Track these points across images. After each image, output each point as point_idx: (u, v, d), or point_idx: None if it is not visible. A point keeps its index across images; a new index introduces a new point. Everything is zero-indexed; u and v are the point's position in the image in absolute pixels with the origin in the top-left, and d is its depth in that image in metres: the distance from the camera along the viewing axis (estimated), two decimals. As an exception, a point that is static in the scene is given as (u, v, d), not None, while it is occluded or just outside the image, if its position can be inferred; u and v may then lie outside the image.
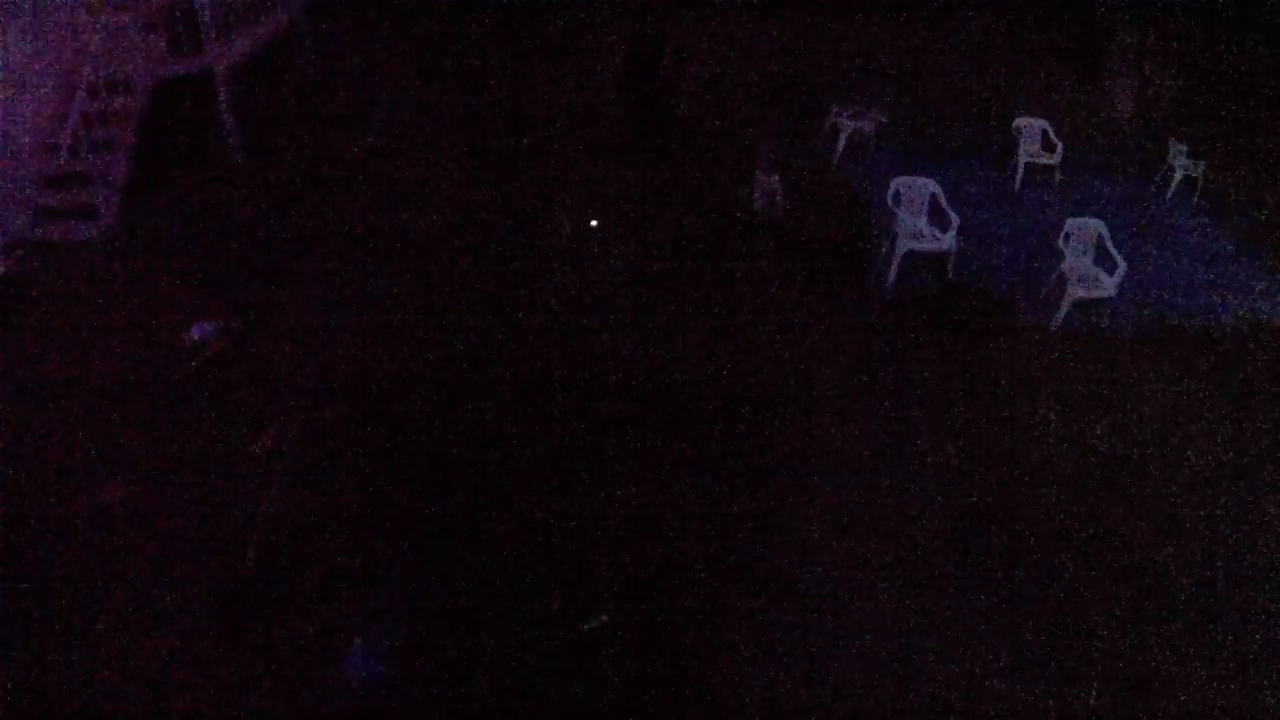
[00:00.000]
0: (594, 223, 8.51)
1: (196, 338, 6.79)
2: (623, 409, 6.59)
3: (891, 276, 8.05)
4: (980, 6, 16.11)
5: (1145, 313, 8.35)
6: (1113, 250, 8.05)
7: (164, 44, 9.34)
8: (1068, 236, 8.15)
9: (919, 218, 8.28)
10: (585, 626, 5.04)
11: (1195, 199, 11.27)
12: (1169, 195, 11.33)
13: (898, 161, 10.82)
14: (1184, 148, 11.70)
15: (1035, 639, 5.10)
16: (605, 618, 5.04)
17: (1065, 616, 5.25)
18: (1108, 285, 7.91)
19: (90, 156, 8.65)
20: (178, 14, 9.22)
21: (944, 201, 8.23)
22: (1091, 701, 4.81)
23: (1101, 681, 4.91)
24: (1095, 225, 8.21)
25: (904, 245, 7.92)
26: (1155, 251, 9.66)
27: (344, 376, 6.76)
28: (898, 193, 8.30)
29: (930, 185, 8.33)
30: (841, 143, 10.77)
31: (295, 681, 4.66)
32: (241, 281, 7.85)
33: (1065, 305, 7.87)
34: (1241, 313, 8.56)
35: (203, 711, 4.51)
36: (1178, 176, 11.45)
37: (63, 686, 4.59)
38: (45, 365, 6.82)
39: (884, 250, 8.26)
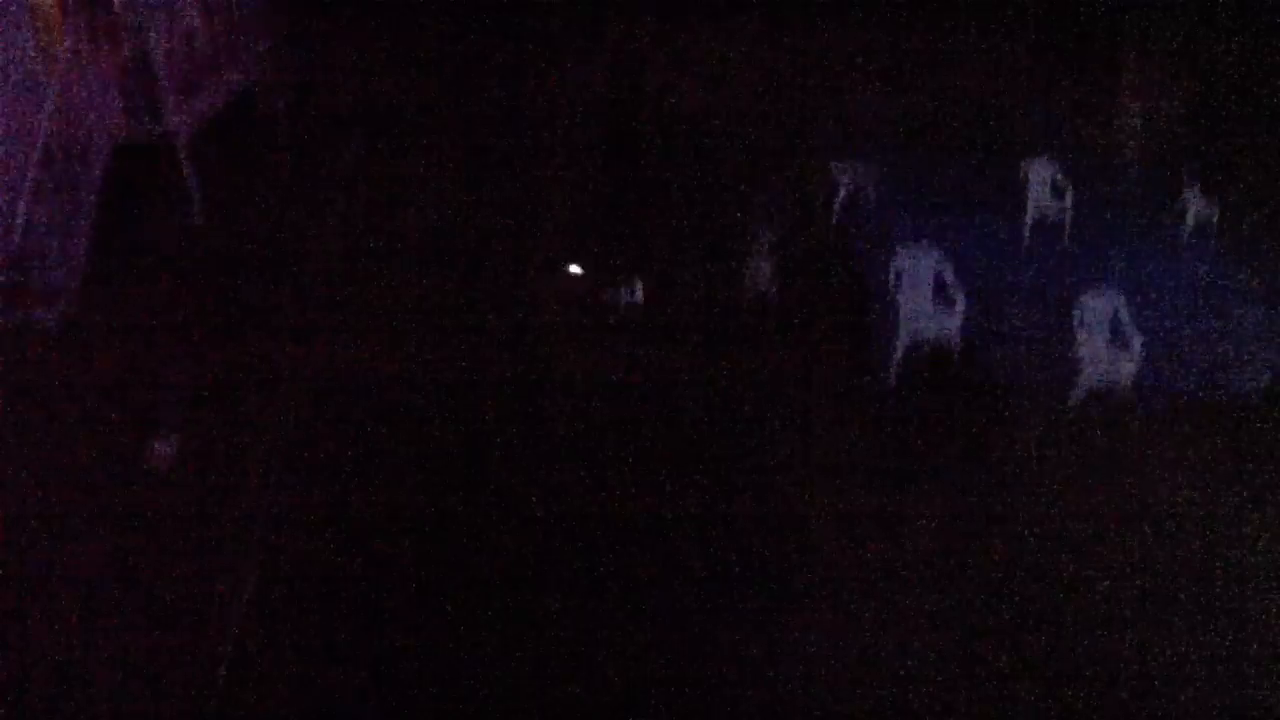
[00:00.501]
0: (576, 270, 8.02)
1: (157, 452, 6.37)
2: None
3: (893, 368, 7.55)
4: (983, 38, 15.38)
5: (1162, 386, 7.84)
6: (1132, 328, 7.54)
7: (121, 108, 8.82)
8: (1082, 316, 7.65)
9: (922, 297, 7.73)
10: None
11: (1212, 241, 10.77)
12: (1183, 236, 10.84)
13: (899, 217, 10.32)
14: (1196, 185, 11.16)
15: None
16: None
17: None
18: (1125, 371, 7.41)
19: (46, 233, 8.16)
20: (134, 76, 8.69)
21: (950, 277, 7.70)
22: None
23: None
24: (1111, 300, 7.71)
25: (906, 334, 7.42)
26: (1171, 310, 9.15)
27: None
28: (899, 271, 7.75)
29: (934, 259, 7.79)
30: (840, 197, 10.17)
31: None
32: (202, 374, 7.40)
33: (1079, 391, 7.40)
34: (1265, 377, 8.08)
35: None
36: (1192, 216, 10.92)
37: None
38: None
39: (884, 336, 7.76)
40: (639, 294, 7.98)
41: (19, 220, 7.98)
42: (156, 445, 6.49)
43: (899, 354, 7.53)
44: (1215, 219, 10.93)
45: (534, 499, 6.14)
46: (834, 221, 10.16)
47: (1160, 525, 6.26)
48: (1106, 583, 5.83)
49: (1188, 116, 13.76)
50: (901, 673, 5.08)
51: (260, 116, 11.12)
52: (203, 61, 9.47)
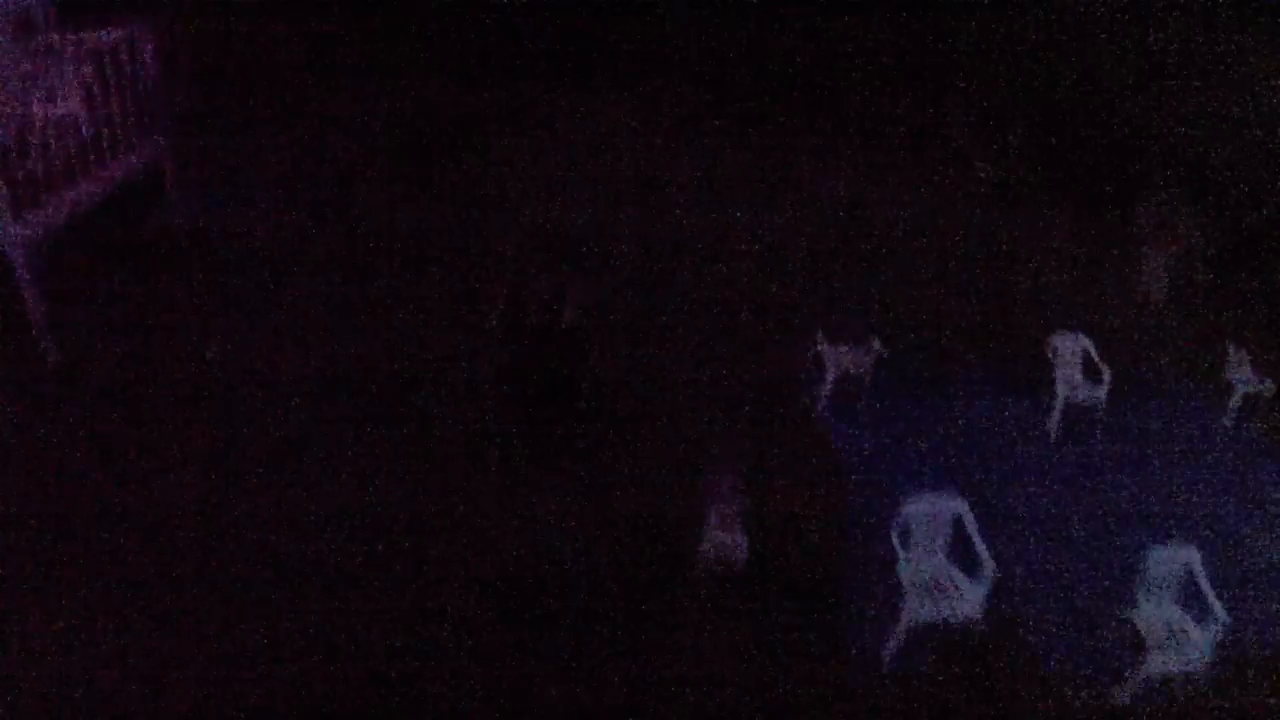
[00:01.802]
0: None
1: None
2: None
3: (890, 654, 5.63)
4: (996, 194, 13.45)
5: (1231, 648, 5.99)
6: (1209, 592, 5.74)
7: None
8: (1146, 581, 5.84)
9: (936, 563, 5.86)
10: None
11: (1265, 427, 9.17)
12: (1228, 419, 9.23)
13: (899, 412, 8.42)
14: (1245, 355, 9.70)
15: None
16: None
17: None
18: (1200, 650, 5.61)
19: None
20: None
21: (974, 533, 5.82)
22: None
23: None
24: (1184, 555, 5.89)
25: (914, 613, 5.49)
26: (1227, 528, 7.43)
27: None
28: (906, 526, 5.86)
29: (954, 508, 5.91)
30: (828, 383, 8.17)
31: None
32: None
33: (1137, 681, 5.57)
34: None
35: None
36: (1239, 395, 9.39)
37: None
38: None
39: (882, 615, 5.85)
40: None
41: None
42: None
43: (900, 640, 5.58)
44: (1269, 394, 9.42)
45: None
46: (824, 404, 8.26)
47: None
48: None
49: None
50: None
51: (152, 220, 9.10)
52: (57, 161, 7.62)
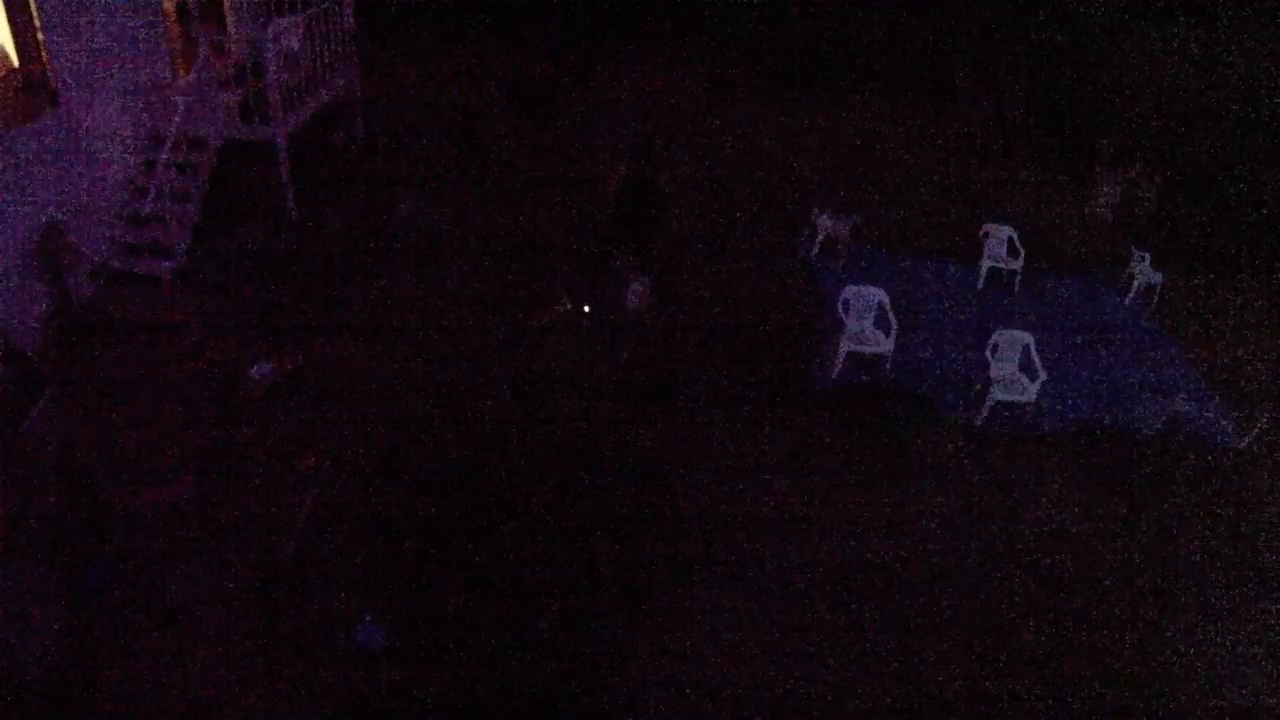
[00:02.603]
0: (586, 309, 9.89)
1: (256, 376, 8.21)
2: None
3: (834, 373, 9.31)
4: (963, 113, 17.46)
5: (1069, 413, 9.48)
6: (1037, 360, 9.23)
7: (235, 108, 10.86)
8: (995, 346, 9.35)
9: (865, 323, 9.53)
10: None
11: (1150, 307, 12.32)
12: (1126, 301, 12.41)
13: (868, 260, 12.20)
14: (1146, 255, 12.67)
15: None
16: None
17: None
18: (1029, 392, 9.09)
19: (169, 202, 10.14)
20: (249, 82, 10.72)
21: (889, 310, 9.48)
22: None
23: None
24: (1023, 337, 9.41)
25: (846, 346, 9.20)
26: (1096, 353, 10.80)
27: (385, 412, 8.22)
28: (847, 300, 9.55)
29: (878, 295, 9.59)
30: (818, 240, 12.00)
31: (319, 657, 5.70)
32: (290, 324, 9.30)
33: (986, 406, 9.07)
34: (1161, 419, 9.65)
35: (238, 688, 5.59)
36: (1137, 283, 12.43)
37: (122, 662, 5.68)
38: (121, 377, 8.27)
39: (830, 345, 9.54)
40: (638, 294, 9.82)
41: (151, 193, 9.95)
42: (253, 371, 8.34)
43: (838, 364, 9.38)
44: (1159, 286, 12.54)
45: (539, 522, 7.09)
46: (814, 253, 12.14)
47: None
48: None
49: (1151, 202, 15.43)
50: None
51: (341, 131, 13.35)
52: (299, 80, 11.49)
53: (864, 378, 9.43)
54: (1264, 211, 14.60)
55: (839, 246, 11.93)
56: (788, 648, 6.34)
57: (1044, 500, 8.22)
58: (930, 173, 15.61)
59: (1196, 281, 13.50)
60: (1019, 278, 12.03)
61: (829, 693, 6.03)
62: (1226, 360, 11.31)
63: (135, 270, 9.92)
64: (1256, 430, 9.55)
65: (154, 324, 9.16)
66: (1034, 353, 9.30)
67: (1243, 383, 10.75)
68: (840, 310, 9.54)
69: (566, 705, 5.57)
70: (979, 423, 9.11)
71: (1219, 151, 15.42)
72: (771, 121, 16.86)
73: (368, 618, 6.07)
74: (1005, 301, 11.77)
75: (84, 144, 9.45)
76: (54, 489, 6.82)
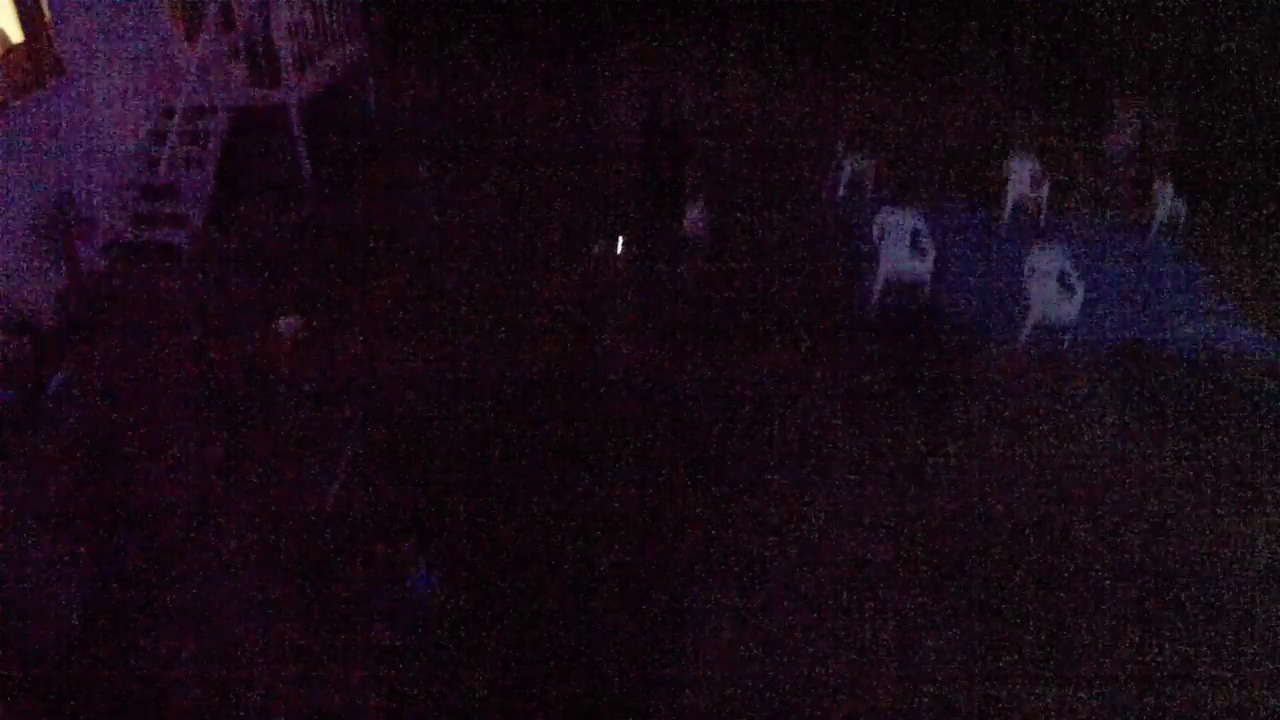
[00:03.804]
0: (619, 248, 9.74)
1: (282, 329, 8.04)
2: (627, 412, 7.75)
3: (874, 298, 9.13)
4: (981, 53, 17.28)
5: (1106, 337, 9.31)
6: (1074, 279, 9.05)
7: (245, 74, 10.69)
8: (1033, 266, 9.18)
9: (901, 248, 9.35)
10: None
11: (1177, 236, 12.17)
12: (1151, 233, 12.25)
13: (894, 199, 11.90)
14: (1170, 187, 12.57)
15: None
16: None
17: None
18: (1068, 311, 8.91)
19: (182, 171, 9.97)
20: (259, 48, 10.56)
21: (924, 233, 9.31)
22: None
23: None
24: (1059, 255, 9.23)
25: (885, 270, 9.02)
26: (1126, 281, 10.62)
27: (422, 360, 8.07)
28: (883, 225, 9.38)
29: (912, 218, 9.42)
30: (844, 181, 11.85)
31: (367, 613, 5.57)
32: (312, 287, 9.12)
33: (1028, 327, 8.89)
34: (1199, 340, 9.48)
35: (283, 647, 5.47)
36: (1161, 214, 12.28)
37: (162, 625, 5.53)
38: (143, 346, 8.10)
39: (869, 274, 9.36)
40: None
41: (163, 162, 9.79)
42: (280, 324, 8.17)
43: (878, 289, 9.19)
44: (1183, 216, 12.39)
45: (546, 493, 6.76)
46: (839, 194, 12.00)
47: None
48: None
49: (1169, 131, 15.28)
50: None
51: (351, 98, 13.15)
52: (309, 47, 11.32)
53: (905, 304, 9.24)
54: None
55: (865, 186, 11.76)
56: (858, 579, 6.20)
57: (1093, 423, 8.04)
58: (945, 121, 15.43)
59: (1221, 211, 13.30)
60: (1044, 209, 11.85)
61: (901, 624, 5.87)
62: (1256, 285, 11.14)
63: (150, 241, 9.76)
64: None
65: (170, 294, 8.99)
66: (1071, 271, 9.12)
67: (1275, 306, 10.58)
68: (875, 235, 9.38)
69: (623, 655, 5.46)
70: (1020, 346, 8.94)
71: (1239, 82, 15.28)
72: (783, 89, 16.69)
73: (422, 562, 5.82)
74: (1031, 234, 11.56)
75: (93, 115, 9.31)
76: (76, 463, 6.69)
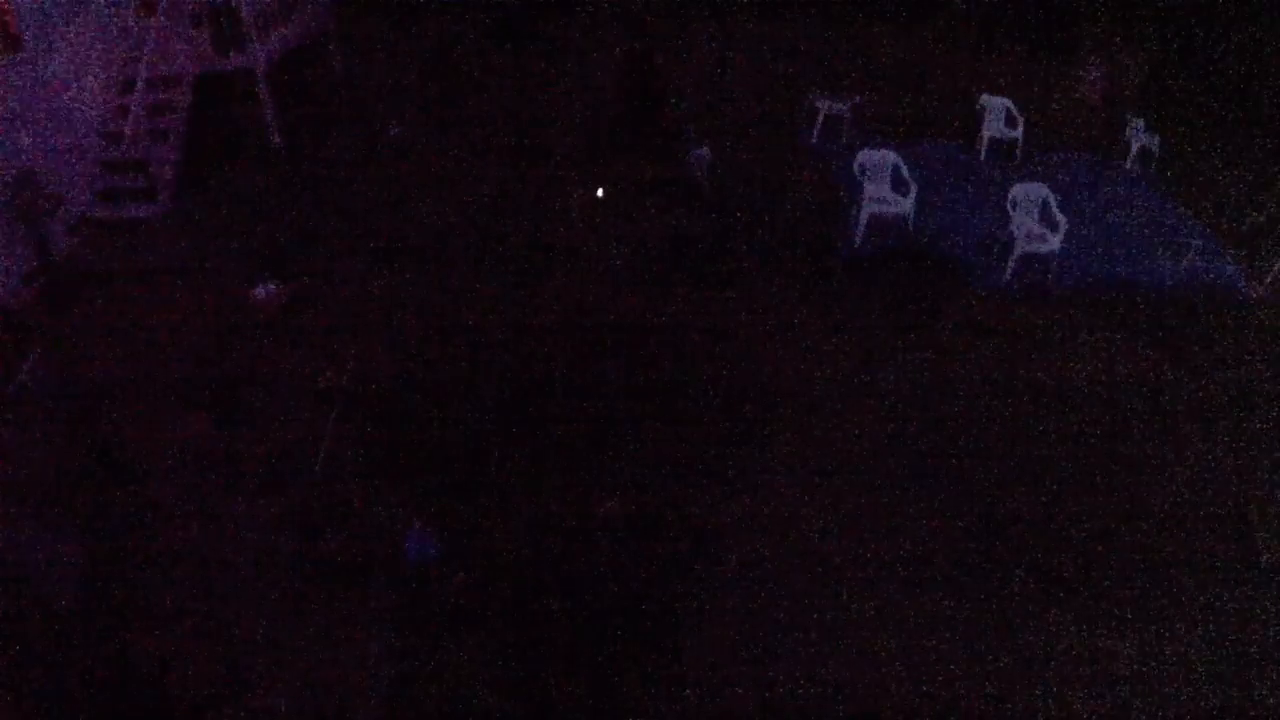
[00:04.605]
0: (600, 192, 9.62)
1: (260, 295, 7.88)
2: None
3: (858, 238, 9.10)
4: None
5: (1089, 272, 9.35)
6: (1055, 212, 9.07)
7: (208, 41, 10.42)
8: (1014, 201, 9.18)
9: (883, 186, 9.33)
10: (602, 509, 5.96)
11: (1150, 169, 12.22)
12: (1126, 167, 12.29)
13: (870, 140, 11.85)
14: (1141, 122, 12.61)
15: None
16: (614, 504, 6.02)
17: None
18: (1051, 243, 8.94)
19: (147, 144, 9.73)
20: (220, 14, 10.28)
21: (904, 170, 9.29)
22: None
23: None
24: (1040, 190, 9.24)
25: (868, 209, 8.99)
26: (1106, 217, 10.65)
27: (387, 333, 7.87)
28: (863, 164, 9.35)
29: (892, 156, 9.39)
30: (818, 123, 11.78)
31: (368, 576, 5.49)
32: (288, 252, 8.94)
33: (1012, 261, 8.91)
34: (1180, 273, 9.53)
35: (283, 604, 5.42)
36: (1134, 150, 12.31)
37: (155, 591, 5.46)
38: (116, 324, 7.92)
39: (852, 215, 9.33)
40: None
41: (126, 135, 9.54)
42: (257, 291, 8.01)
43: (861, 227, 9.15)
44: (1156, 150, 12.44)
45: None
46: (815, 137, 11.93)
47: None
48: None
49: (1139, 67, 15.31)
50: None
51: (318, 61, 12.86)
52: (271, 8, 11.05)
53: (889, 243, 9.22)
54: (1255, 66, 14.49)
55: (841, 129, 11.69)
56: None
57: (1077, 355, 8.09)
58: (916, 64, 15.36)
59: (1192, 144, 13.36)
60: (1020, 147, 11.85)
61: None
62: (1230, 215, 11.22)
63: (120, 216, 9.54)
64: (1270, 279, 9.45)
65: (143, 269, 8.79)
66: (1053, 204, 9.14)
67: (1249, 235, 10.66)
68: (857, 173, 9.33)
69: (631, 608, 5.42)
70: (1004, 281, 8.95)
71: (1207, 16, 15.28)
72: (752, 32, 16.49)
73: (416, 524, 5.73)
74: (1007, 171, 11.58)
75: (52, 90, 9.05)
76: (58, 444, 6.54)
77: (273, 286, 7.97)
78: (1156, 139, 12.40)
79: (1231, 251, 10.08)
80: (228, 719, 4.86)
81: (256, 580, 5.63)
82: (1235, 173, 12.62)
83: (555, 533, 5.95)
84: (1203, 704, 5.06)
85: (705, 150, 10.19)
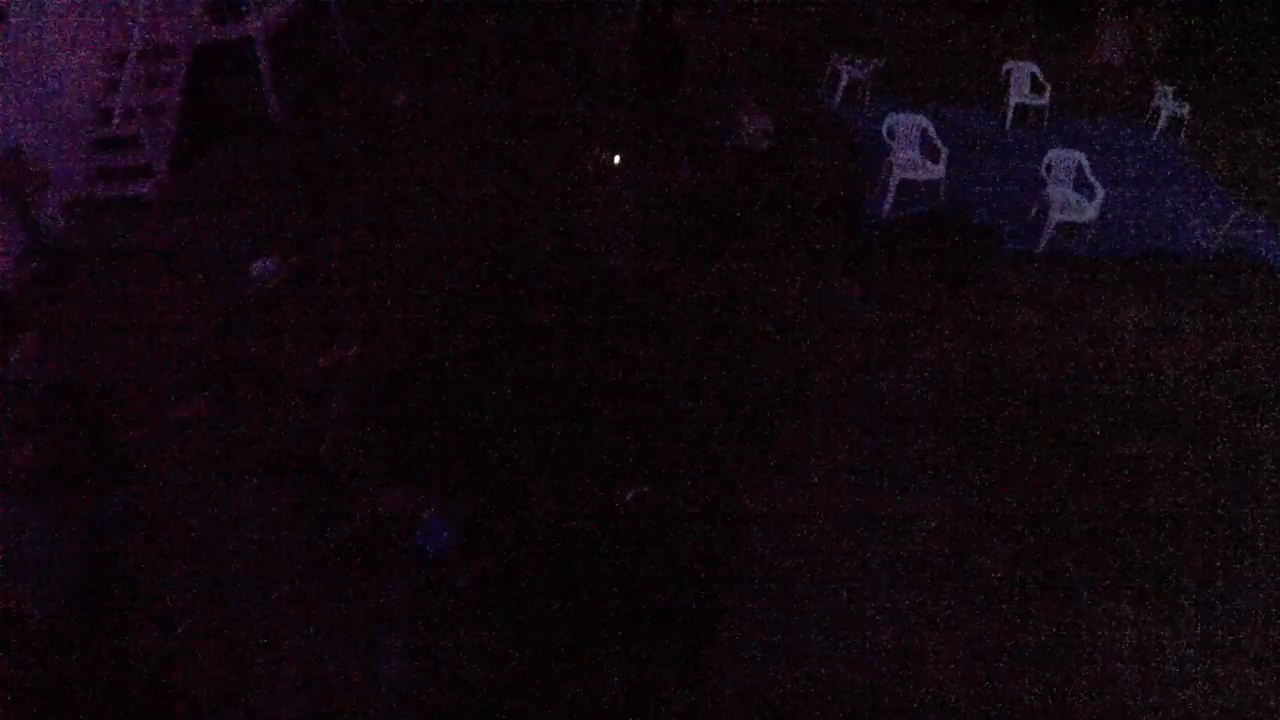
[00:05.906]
0: (617, 159, 9.22)
1: (257, 272, 7.51)
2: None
3: (888, 205, 8.70)
4: None
5: (1125, 240, 8.95)
6: (1092, 178, 8.67)
7: (204, 11, 10.00)
8: (1049, 167, 8.77)
9: (913, 150, 8.93)
10: (627, 496, 5.61)
11: (1180, 138, 11.83)
12: (1155, 135, 11.90)
13: (893, 105, 11.40)
14: (1170, 89, 12.25)
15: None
16: (645, 488, 5.66)
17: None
18: (1088, 210, 8.54)
19: (141, 119, 9.32)
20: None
21: (934, 135, 8.87)
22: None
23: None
24: (1075, 156, 8.83)
25: (899, 174, 8.58)
26: (1138, 185, 10.24)
27: (392, 307, 7.49)
28: (891, 128, 8.94)
29: (921, 120, 8.98)
30: (841, 87, 11.38)
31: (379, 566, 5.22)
32: (290, 226, 8.55)
33: (1048, 230, 8.50)
34: (1216, 240, 9.14)
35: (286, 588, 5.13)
36: (1163, 117, 11.98)
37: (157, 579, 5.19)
38: (111, 306, 7.55)
39: (881, 180, 8.93)
40: None
41: (117, 111, 9.13)
42: (255, 267, 7.64)
43: (892, 193, 8.74)
44: (1186, 118, 12.04)
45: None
46: (838, 101, 11.56)
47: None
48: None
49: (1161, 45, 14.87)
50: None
51: (320, 29, 12.41)
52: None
53: (920, 208, 8.82)
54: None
55: (863, 93, 11.29)
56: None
57: (1118, 324, 7.73)
58: (934, 31, 14.91)
59: (1221, 112, 12.95)
60: (1047, 113, 11.42)
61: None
62: (1264, 181, 10.83)
63: (114, 195, 9.13)
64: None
65: (140, 248, 8.41)
66: (1088, 171, 8.73)
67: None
68: (886, 138, 8.92)
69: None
70: (1040, 249, 8.56)
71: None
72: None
73: (430, 512, 5.37)
74: (1034, 138, 11.17)
75: (39, 64, 8.63)
76: (48, 432, 6.17)
77: (272, 262, 7.58)
78: (1186, 107, 12.01)
79: (1266, 221, 9.69)
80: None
81: (261, 572, 5.27)
82: (1263, 136, 12.26)
83: (578, 519, 5.59)
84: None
85: (766, 119, 9.82)
